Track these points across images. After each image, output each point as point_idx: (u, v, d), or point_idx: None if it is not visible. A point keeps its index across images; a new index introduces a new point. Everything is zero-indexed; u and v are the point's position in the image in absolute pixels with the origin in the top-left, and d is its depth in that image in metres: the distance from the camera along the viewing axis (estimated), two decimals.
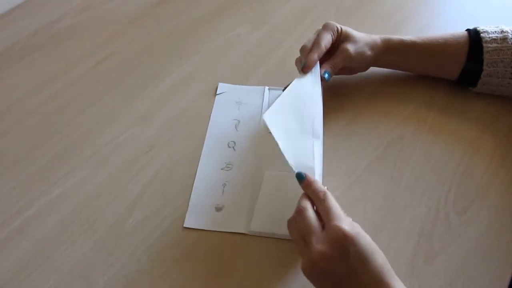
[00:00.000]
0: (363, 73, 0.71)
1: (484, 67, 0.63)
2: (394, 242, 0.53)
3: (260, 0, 0.91)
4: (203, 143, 0.64)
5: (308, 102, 0.58)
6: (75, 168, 0.63)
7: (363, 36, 0.66)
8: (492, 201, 0.56)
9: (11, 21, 0.90)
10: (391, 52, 0.67)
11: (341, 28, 0.65)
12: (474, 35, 0.64)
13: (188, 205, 0.57)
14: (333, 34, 0.64)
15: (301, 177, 0.49)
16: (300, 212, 0.47)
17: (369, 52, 0.66)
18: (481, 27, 0.65)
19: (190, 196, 0.58)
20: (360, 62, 0.67)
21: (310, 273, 0.44)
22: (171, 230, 0.55)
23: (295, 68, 0.65)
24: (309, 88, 0.59)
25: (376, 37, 0.67)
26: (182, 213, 0.57)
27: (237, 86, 0.73)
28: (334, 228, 0.43)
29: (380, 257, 0.43)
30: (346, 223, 0.44)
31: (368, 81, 0.71)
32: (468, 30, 0.66)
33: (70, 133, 0.67)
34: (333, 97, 0.68)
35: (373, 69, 0.71)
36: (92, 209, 0.58)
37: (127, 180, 0.61)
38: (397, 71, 0.72)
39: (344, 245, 0.42)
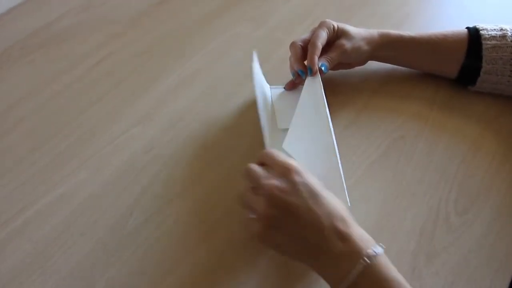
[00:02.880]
0: (364, 71, 0.71)
1: (483, 64, 0.63)
2: (395, 242, 0.53)
3: (260, 0, 0.91)
4: (204, 142, 0.64)
5: (317, 113, 0.58)
6: (76, 168, 0.63)
7: (360, 31, 0.66)
8: (494, 200, 0.56)
9: (11, 20, 0.90)
10: (389, 46, 0.67)
11: (337, 26, 0.65)
12: (473, 33, 0.64)
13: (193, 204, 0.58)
14: (329, 31, 0.64)
15: None
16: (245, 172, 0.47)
17: (366, 47, 0.66)
18: (480, 25, 0.65)
19: (191, 196, 0.58)
20: (356, 57, 0.67)
21: (264, 216, 0.42)
22: (173, 230, 0.55)
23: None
24: (313, 98, 0.60)
25: (374, 32, 0.67)
26: (183, 214, 0.57)
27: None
28: (281, 163, 0.44)
29: (329, 194, 0.44)
30: (292, 161, 0.45)
31: (369, 80, 0.71)
32: (467, 27, 0.66)
33: (71, 133, 0.67)
34: (334, 96, 0.68)
35: (374, 68, 0.71)
36: (93, 209, 0.58)
37: (128, 180, 0.61)
38: (397, 69, 0.72)
39: (291, 175, 0.43)
